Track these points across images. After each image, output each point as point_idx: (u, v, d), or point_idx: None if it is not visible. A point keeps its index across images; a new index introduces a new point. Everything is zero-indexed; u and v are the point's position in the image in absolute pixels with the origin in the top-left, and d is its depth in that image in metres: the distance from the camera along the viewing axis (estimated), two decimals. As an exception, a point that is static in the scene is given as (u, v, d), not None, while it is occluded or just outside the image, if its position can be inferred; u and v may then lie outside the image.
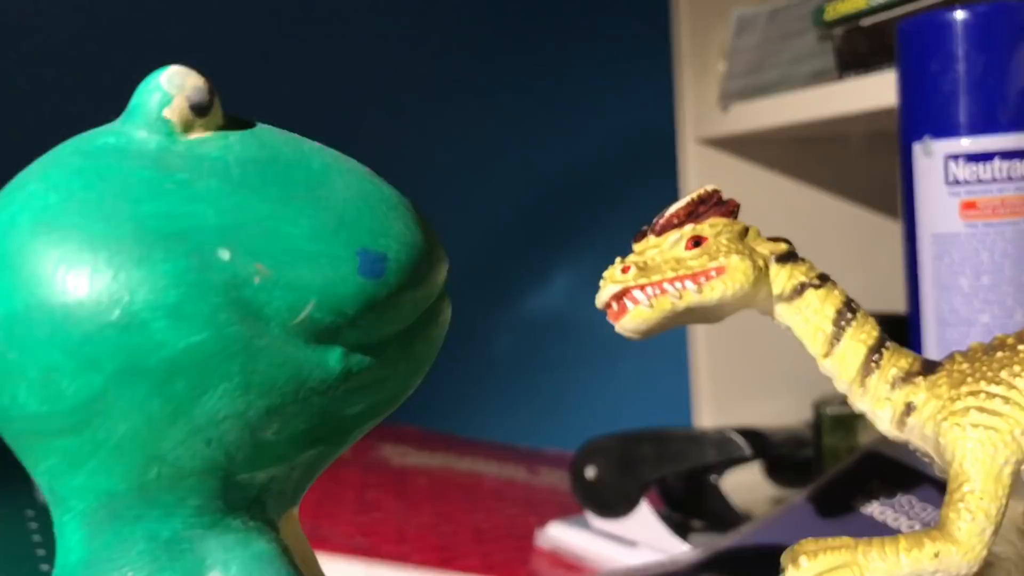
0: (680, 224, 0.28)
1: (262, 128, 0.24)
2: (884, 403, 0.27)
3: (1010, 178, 0.44)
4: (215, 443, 0.22)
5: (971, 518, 0.25)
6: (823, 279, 0.28)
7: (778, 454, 0.62)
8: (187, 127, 0.23)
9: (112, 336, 0.21)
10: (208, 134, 0.23)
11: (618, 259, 0.28)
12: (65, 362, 0.22)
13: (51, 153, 0.24)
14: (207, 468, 0.23)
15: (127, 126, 0.23)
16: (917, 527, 0.42)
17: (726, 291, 0.27)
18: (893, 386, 0.27)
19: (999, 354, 0.26)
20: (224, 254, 0.22)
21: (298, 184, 0.23)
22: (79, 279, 0.22)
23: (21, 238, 0.22)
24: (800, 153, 0.79)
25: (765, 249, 0.28)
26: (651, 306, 0.27)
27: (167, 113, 0.23)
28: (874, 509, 0.43)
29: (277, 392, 0.23)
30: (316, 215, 0.23)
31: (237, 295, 0.22)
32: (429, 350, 0.25)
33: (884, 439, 0.28)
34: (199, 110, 0.23)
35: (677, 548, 0.52)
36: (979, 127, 0.45)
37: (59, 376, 0.22)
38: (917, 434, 0.27)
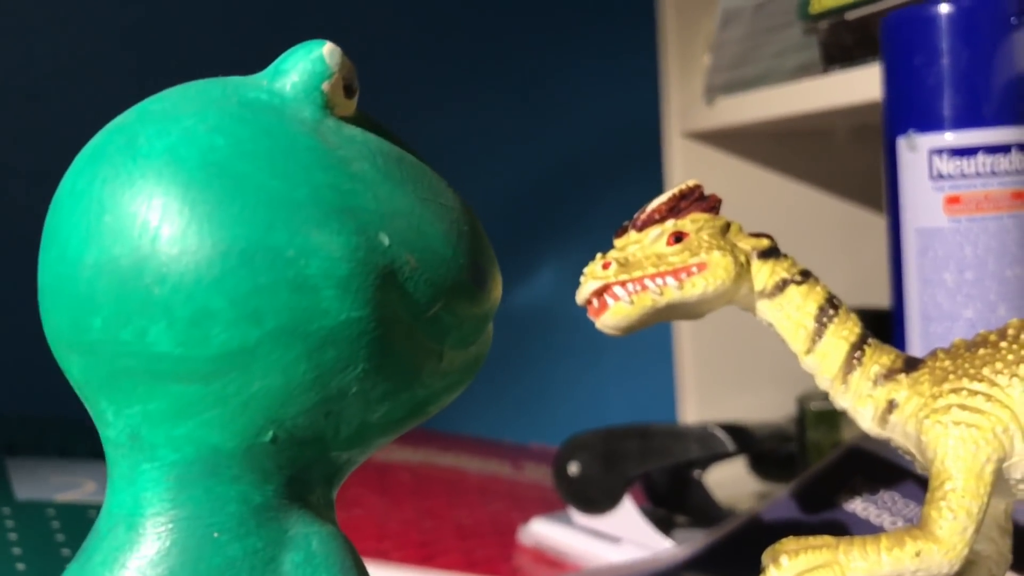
0: (661, 219, 0.28)
1: (379, 121, 0.25)
2: (866, 400, 0.27)
3: (994, 173, 0.44)
4: (332, 417, 0.23)
5: (953, 516, 0.24)
6: (805, 275, 0.27)
7: (762, 449, 0.62)
8: (333, 106, 0.23)
9: (282, 294, 0.21)
10: (343, 119, 0.24)
11: (599, 255, 0.27)
12: (225, 310, 0.21)
13: (192, 90, 0.23)
14: (313, 440, 0.23)
15: (275, 86, 0.23)
16: (900, 523, 0.42)
17: (707, 287, 0.27)
18: (875, 383, 0.27)
19: (981, 351, 0.26)
20: (384, 239, 0.23)
21: (425, 187, 0.24)
22: (256, 232, 0.21)
23: (189, 174, 0.22)
24: (785, 147, 0.78)
25: (747, 245, 0.27)
26: (632, 303, 0.26)
27: (326, 87, 0.23)
28: (857, 505, 0.42)
29: (398, 377, 0.23)
30: (444, 220, 0.24)
31: (392, 280, 0.23)
32: (479, 365, 0.26)
33: (867, 435, 0.28)
34: (350, 92, 0.24)
35: (660, 544, 0.52)
36: (963, 121, 0.44)
37: (212, 322, 0.21)
38: (899, 431, 0.26)
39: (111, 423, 0.23)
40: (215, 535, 0.22)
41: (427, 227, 0.24)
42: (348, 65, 0.24)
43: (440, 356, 0.24)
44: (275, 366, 0.22)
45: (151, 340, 0.21)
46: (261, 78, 0.24)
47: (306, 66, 0.23)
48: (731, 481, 0.65)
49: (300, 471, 0.23)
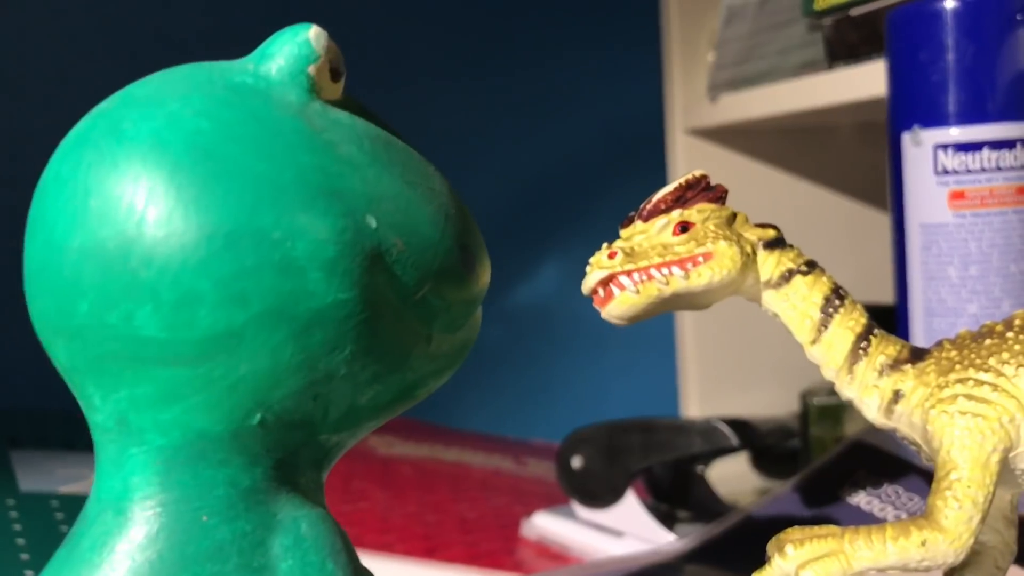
0: (667, 209, 0.28)
1: (365, 105, 0.25)
2: (871, 390, 0.27)
3: (999, 168, 0.44)
4: (321, 400, 0.23)
5: (958, 506, 0.24)
6: (811, 266, 0.28)
7: (765, 444, 0.62)
8: (319, 90, 0.23)
9: (268, 277, 0.21)
10: (329, 103, 0.24)
11: (605, 245, 0.28)
12: (211, 292, 0.21)
13: (177, 75, 0.23)
14: (301, 423, 0.23)
15: (261, 70, 0.23)
16: (904, 517, 0.42)
17: (713, 277, 0.27)
18: (881, 373, 0.27)
19: (987, 341, 0.26)
20: (371, 221, 0.23)
21: (413, 171, 0.24)
22: (242, 214, 0.21)
23: (175, 157, 0.21)
24: (789, 144, 0.78)
25: (753, 235, 0.28)
26: (637, 292, 0.27)
27: (312, 70, 0.23)
28: (860, 499, 0.42)
29: (387, 360, 0.23)
30: (432, 204, 0.24)
31: (380, 263, 0.23)
32: (467, 350, 0.26)
33: (871, 429, 0.28)
34: (336, 76, 0.24)
35: (663, 538, 0.52)
36: (968, 117, 0.44)
37: (198, 305, 0.21)
38: (905, 422, 0.26)
39: (99, 408, 0.23)
40: (204, 519, 0.22)
41: (414, 210, 0.24)
42: (334, 49, 0.24)
43: (428, 340, 0.24)
44: (262, 349, 0.22)
45: (138, 324, 0.21)
46: (247, 62, 0.24)
47: (292, 50, 0.23)
48: (733, 477, 0.65)
49: (288, 454, 0.23)
